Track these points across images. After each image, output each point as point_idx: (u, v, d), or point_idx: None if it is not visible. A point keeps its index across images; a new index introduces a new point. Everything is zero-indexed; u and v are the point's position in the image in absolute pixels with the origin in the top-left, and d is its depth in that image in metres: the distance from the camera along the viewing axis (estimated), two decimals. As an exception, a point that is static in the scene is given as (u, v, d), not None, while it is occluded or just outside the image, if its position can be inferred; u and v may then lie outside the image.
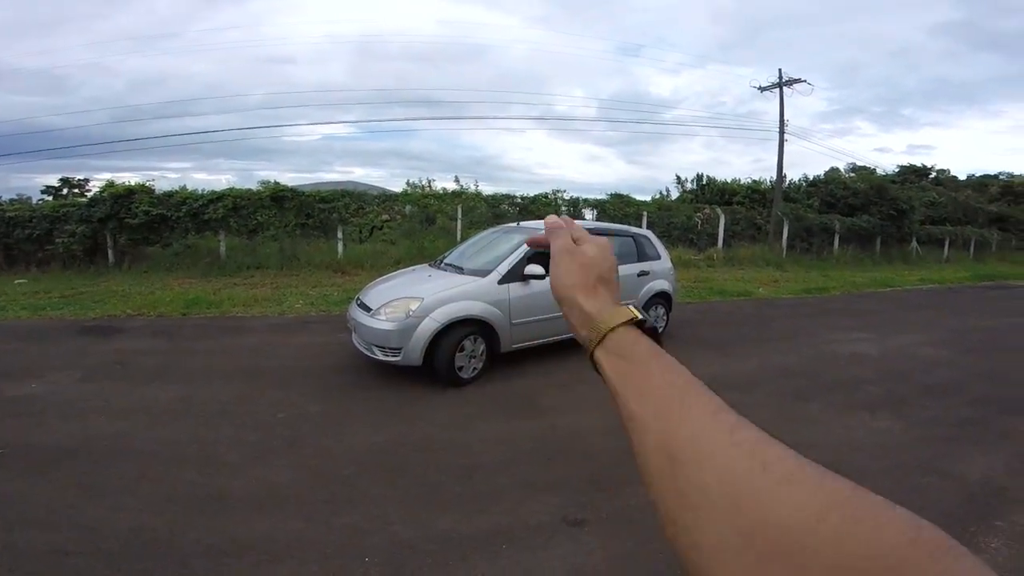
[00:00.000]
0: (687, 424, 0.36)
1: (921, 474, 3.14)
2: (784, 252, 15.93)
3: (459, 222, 12.39)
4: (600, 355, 0.46)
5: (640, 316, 0.47)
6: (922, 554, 0.25)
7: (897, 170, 31.59)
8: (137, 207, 10.37)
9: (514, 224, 6.11)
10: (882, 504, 0.28)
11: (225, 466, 3.08)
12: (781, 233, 16.27)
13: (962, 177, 34.99)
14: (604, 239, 0.58)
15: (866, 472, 3.15)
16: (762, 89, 18.23)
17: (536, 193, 14.46)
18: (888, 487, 2.97)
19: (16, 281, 9.26)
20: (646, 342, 0.45)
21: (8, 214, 10.63)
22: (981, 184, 32.39)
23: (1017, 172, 34.15)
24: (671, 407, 0.38)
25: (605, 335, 0.46)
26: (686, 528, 0.33)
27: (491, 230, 6.23)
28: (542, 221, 0.61)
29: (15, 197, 14.21)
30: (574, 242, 0.57)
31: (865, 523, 0.27)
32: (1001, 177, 33.85)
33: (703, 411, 0.37)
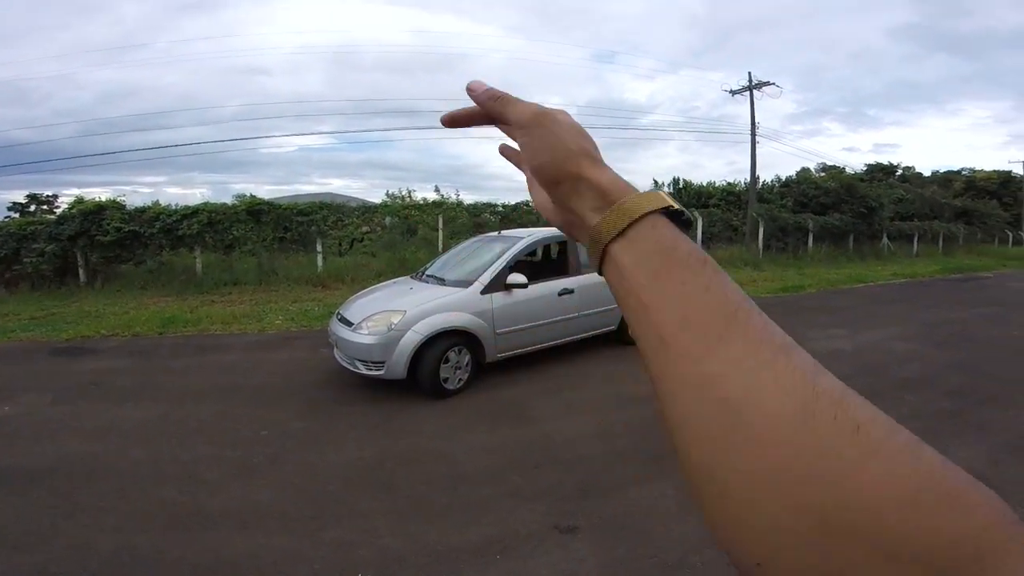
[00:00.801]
0: (749, 358, 0.27)
1: (901, 466, 3.20)
2: (761, 252, 16.22)
3: (440, 232, 12.35)
4: (619, 250, 0.34)
5: (676, 205, 0.35)
6: (1005, 540, 0.22)
7: (865, 168, 32.55)
8: (108, 224, 10.14)
9: (495, 233, 6.12)
10: (972, 484, 0.24)
11: (205, 484, 3.02)
12: (757, 234, 16.57)
13: (927, 174, 36.28)
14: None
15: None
16: (733, 92, 18.67)
17: (517, 201, 14.53)
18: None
19: (-18, 304, 8.95)
20: (688, 242, 0.33)
21: (-28, 234, 10.30)
22: (945, 180, 33.54)
23: (978, 167, 35.46)
24: (727, 330, 0.29)
25: (633, 222, 0.34)
26: (740, 500, 0.26)
27: (472, 240, 6.23)
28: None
29: (-20, 216, 13.76)
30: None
31: (957, 503, 0.23)
32: (964, 173, 35.09)
33: (773, 344, 0.28)
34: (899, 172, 34.29)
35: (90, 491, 2.92)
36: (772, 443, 0.25)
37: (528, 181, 0.45)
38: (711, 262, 0.32)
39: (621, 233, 0.34)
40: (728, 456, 0.26)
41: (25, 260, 10.02)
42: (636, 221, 0.34)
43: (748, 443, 0.26)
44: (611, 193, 0.36)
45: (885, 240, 19.88)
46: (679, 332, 0.30)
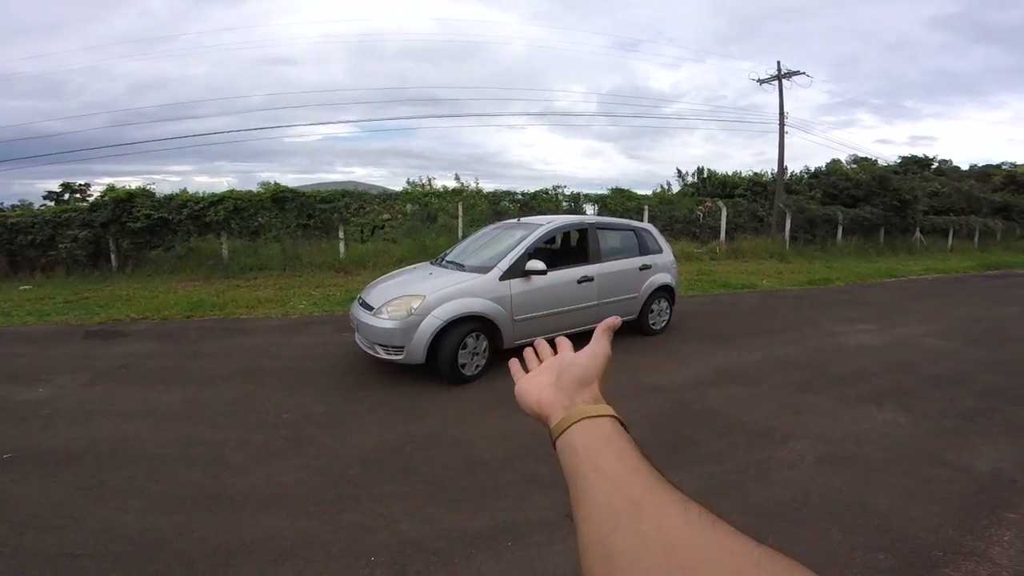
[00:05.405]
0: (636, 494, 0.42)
1: (929, 466, 3.11)
2: (787, 244, 15.88)
3: (460, 220, 12.39)
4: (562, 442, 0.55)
5: (593, 414, 0.56)
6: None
7: (899, 161, 31.51)
8: (138, 211, 10.41)
9: (514, 220, 6.09)
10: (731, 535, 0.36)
11: (230, 467, 3.08)
12: (784, 225, 16.20)
13: (965, 167, 34.93)
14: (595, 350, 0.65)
15: (874, 464, 3.13)
16: (761, 82, 18.16)
17: (537, 189, 14.53)
18: (896, 479, 2.95)
19: (21, 287, 9.29)
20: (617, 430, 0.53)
21: (10, 220, 10.69)
22: (984, 174, 32.26)
23: (1020, 161, 34.01)
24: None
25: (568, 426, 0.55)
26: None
27: (492, 227, 6.21)
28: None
29: (17, 203, 14.24)
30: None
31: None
32: (1004, 167, 33.70)
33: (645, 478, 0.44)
34: (935, 165, 33.09)
35: (119, 473, 2.99)
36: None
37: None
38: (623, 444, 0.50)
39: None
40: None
41: (60, 246, 10.36)
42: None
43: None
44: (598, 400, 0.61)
45: (918, 234, 19.26)
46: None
